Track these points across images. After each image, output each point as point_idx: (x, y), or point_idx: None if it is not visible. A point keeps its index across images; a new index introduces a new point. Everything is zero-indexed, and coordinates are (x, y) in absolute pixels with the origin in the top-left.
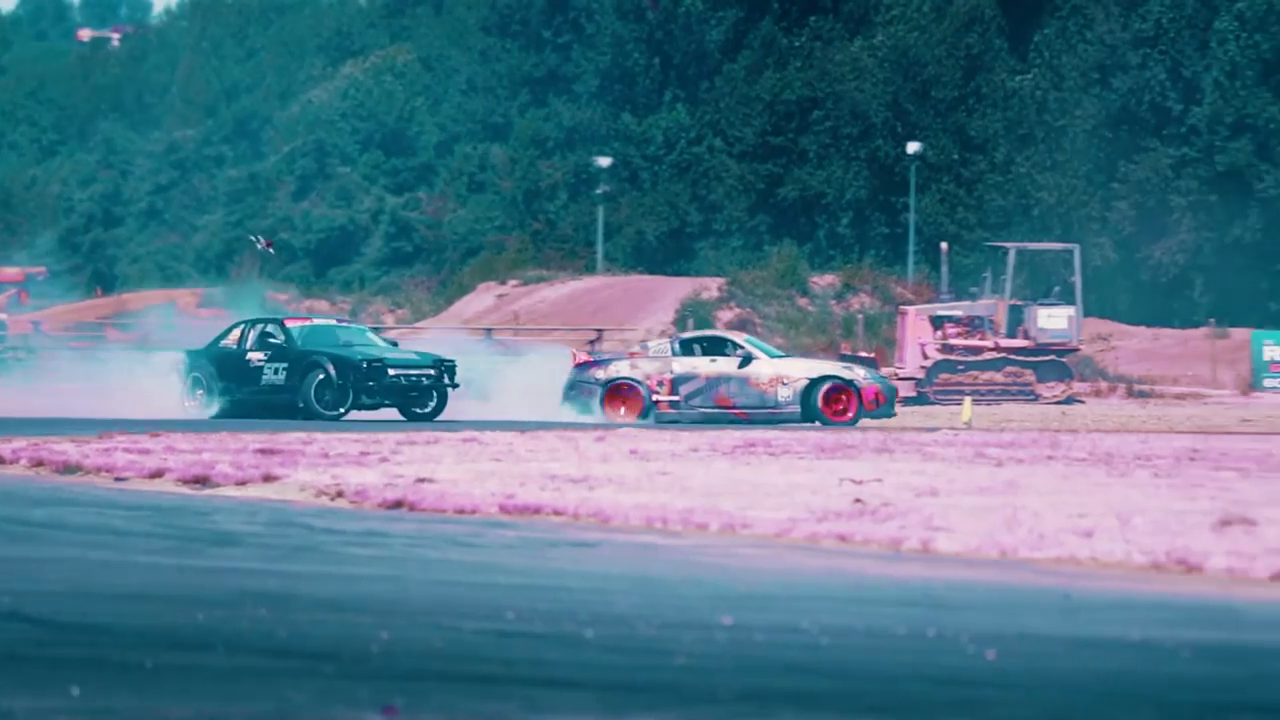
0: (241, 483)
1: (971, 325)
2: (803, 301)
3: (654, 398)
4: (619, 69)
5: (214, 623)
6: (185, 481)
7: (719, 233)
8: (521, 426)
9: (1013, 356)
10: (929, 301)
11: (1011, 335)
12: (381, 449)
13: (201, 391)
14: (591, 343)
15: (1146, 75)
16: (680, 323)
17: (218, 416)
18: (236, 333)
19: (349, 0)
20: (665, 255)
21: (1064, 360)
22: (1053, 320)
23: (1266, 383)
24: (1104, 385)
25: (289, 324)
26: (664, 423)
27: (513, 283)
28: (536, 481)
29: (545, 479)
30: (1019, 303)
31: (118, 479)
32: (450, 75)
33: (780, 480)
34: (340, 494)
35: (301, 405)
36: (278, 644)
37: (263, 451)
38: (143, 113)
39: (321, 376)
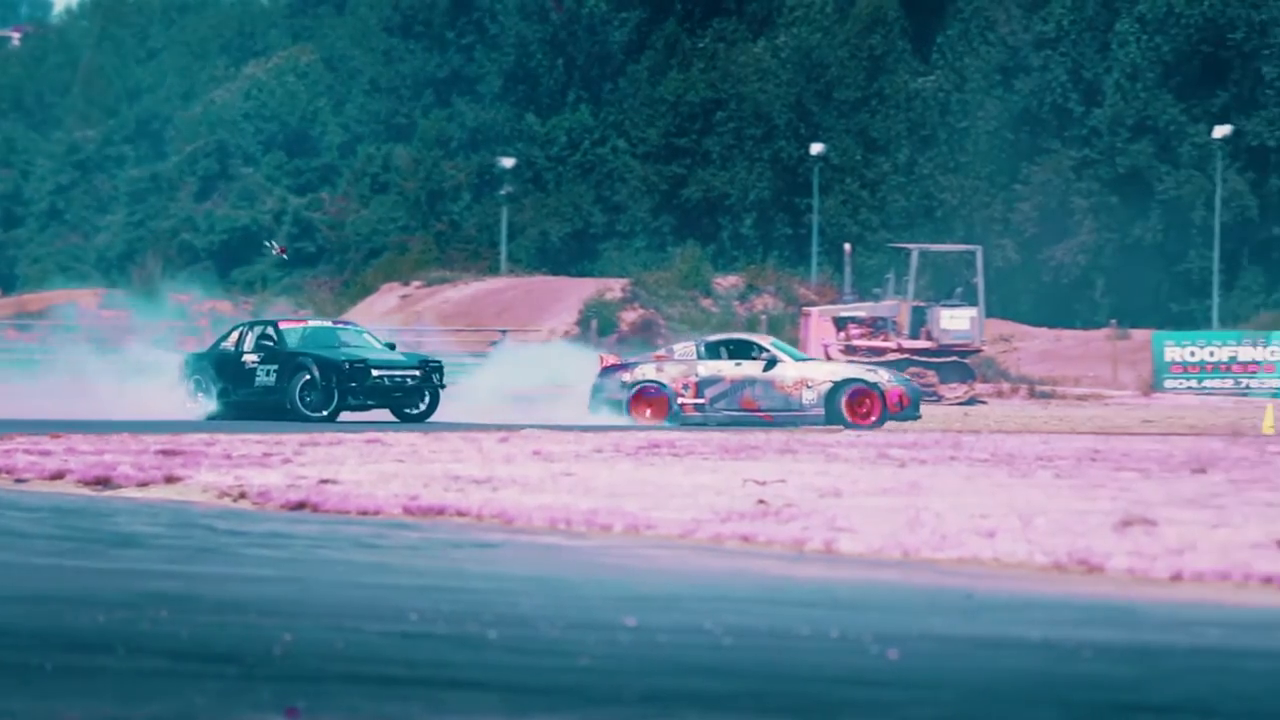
0: (143, 484)
1: (874, 326)
2: (706, 302)
3: (679, 400)
4: (522, 70)
5: (115, 624)
6: (86, 483)
7: (623, 234)
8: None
9: (915, 357)
10: (832, 302)
11: (914, 336)
12: (284, 450)
13: (201, 394)
14: (493, 342)
15: (1048, 77)
16: (584, 323)
17: (215, 418)
18: (235, 335)
19: (251, 0)
20: (569, 256)
21: (966, 361)
22: (955, 321)
23: (1167, 383)
24: (1006, 386)
25: (283, 325)
26: (689, 425)
27: (416, 283)
28: (440, 482)
29: (449, 480)
30: (922, 304)
31: (18, 480)
32: (353, 76)
33: (684, 481)
34: (243, 495)
35: (288, 406)
36: (179, 646)
37: (165, 453)
38: (43, 112)
39: (306, 378)
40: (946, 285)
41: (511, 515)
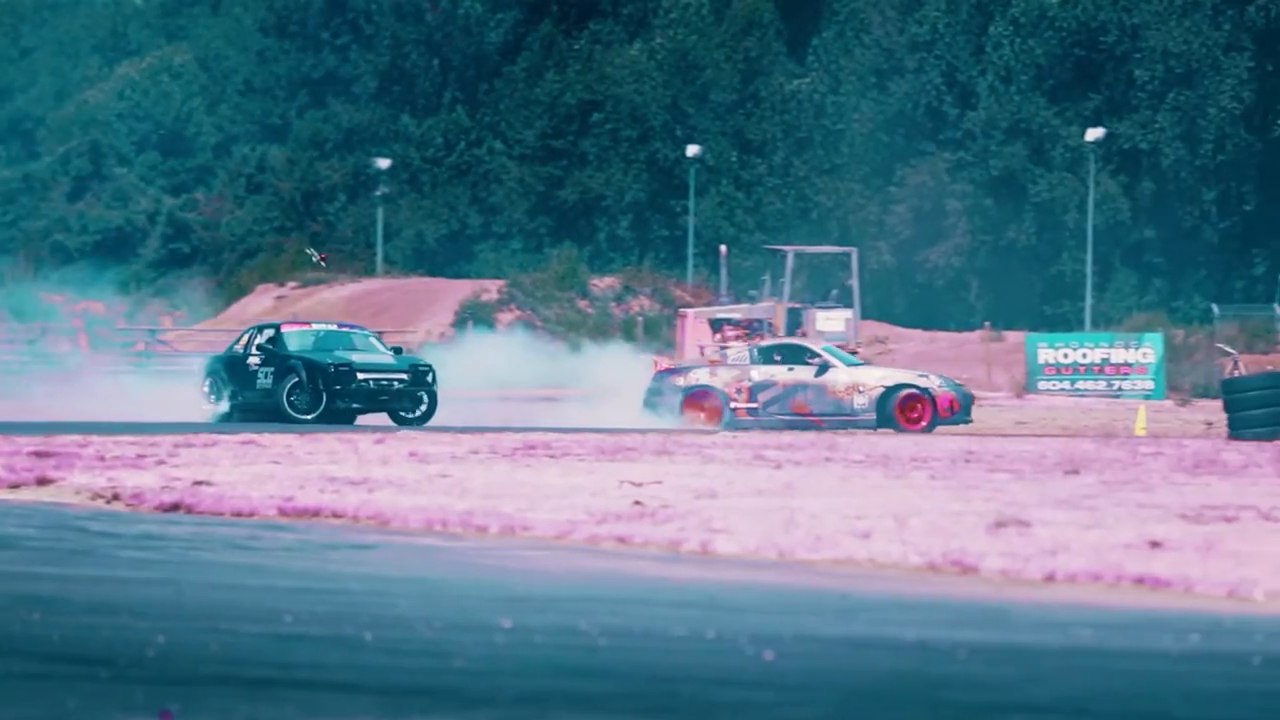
0: (15, 485)
1: (750, 328)
2: (583, 304)
3: (732, 405)
4: (398, 70)
5: None
6: None
7: (499, 235)
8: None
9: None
10: (708, 304)
11: (790, 337)
12: (159, 451)
13: (214, 396)
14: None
15: (923, 79)
16: (460, 324)
17: (224, 419)
18: (246, 338)
19: (125, 0)
20: (445, 257)
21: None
22: (830, 323)
23: (1041, 385)
24: None
25: (286, 329)
26: (742, 429)
27: (291, 284)
28: (316, 484)
29: (324, 481)
30: (797, 305)
31: None
32: (228, 76)
33: (560, 482)
34: (116, 497)
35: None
36: (52, 648)
37: (37, 454)
38: None
39: (295, 380)
40: (822, 287)
41: (387, 517)
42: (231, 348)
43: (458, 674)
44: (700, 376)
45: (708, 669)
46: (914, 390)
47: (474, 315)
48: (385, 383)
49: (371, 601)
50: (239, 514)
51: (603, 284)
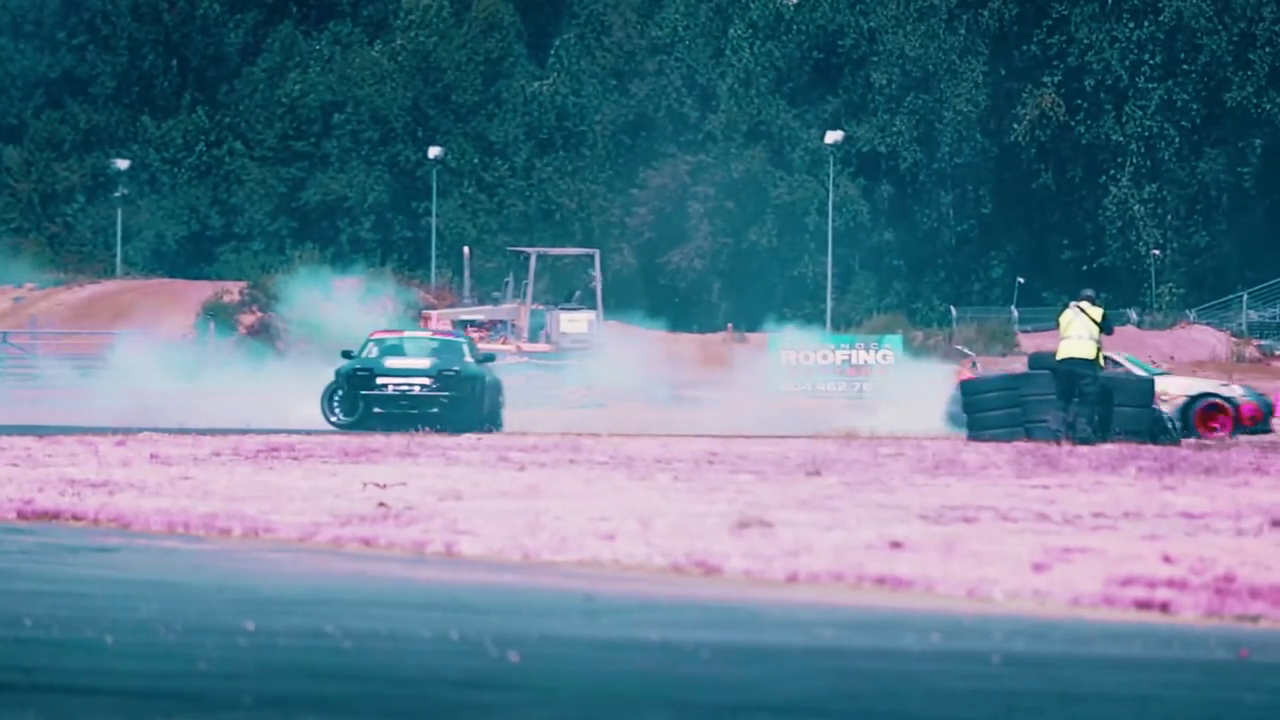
0: None
1: (494, 329)
2: (326, 306)
3: None
4: (136, 71)
5: None
6: None
7: (240, 236)
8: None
9: (534, 360)
10: (451, 306)
11: (534, 339)
12: None
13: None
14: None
15: (663, 81)
16: (201, 325)
17: (341, 427)
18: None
19: None
20: (187, 258)
21: (585, 364)
22: (574, 324)
23: (783, 386)
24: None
25: (374, 335)
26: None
27: (29, 286)
28: (55, 486)
29: (64, 484)
30: (540, 307)
31: None
32: None
33: (304, 484)
34: None
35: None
36: None
37: None
38: None
39: (334, 386)
40: (565, 289)
41: (129, 519)
42: None
43: (201, 677)
44: None
45: (453, 671)
46: (1217, 400)
47: (215, 316)
48: (405, 388)
49: (113, 605)
50: None
51: (345, 285)
